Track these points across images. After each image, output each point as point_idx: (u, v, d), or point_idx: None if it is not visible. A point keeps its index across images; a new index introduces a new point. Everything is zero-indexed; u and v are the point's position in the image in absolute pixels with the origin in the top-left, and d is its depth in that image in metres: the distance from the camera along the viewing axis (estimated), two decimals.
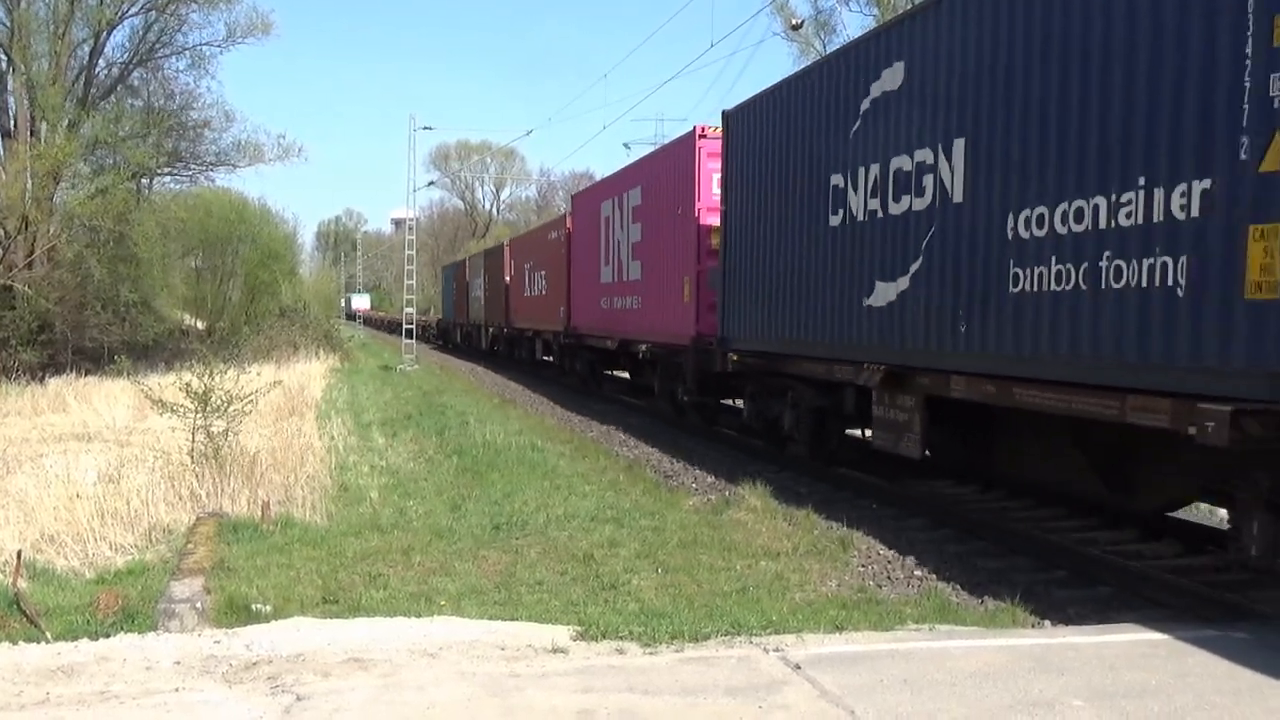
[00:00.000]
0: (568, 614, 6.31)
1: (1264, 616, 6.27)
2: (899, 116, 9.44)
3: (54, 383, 24.56)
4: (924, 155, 9.00)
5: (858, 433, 11.75)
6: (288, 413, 17.19)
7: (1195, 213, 6.16)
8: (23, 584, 6.94)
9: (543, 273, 27.59)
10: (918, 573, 7.86)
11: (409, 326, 36.72)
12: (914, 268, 9.20)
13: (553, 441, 14.98)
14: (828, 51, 24.20)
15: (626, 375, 22.85)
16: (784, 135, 11.85)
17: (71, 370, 26.84)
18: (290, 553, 8.08)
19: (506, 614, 6.40)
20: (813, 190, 11.07)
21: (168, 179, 37.64)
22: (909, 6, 9.95)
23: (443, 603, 6.78)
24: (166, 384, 13.48)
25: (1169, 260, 6.36)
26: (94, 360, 28.24)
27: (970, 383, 8.45)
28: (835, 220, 10.61)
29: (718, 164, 13.95)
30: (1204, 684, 4.87)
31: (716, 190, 14.06)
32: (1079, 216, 7.11)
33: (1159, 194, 6.41)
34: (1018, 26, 7.73)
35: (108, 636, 5.63)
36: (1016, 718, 4.45)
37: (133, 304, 32.63)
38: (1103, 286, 6.89)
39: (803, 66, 11.27)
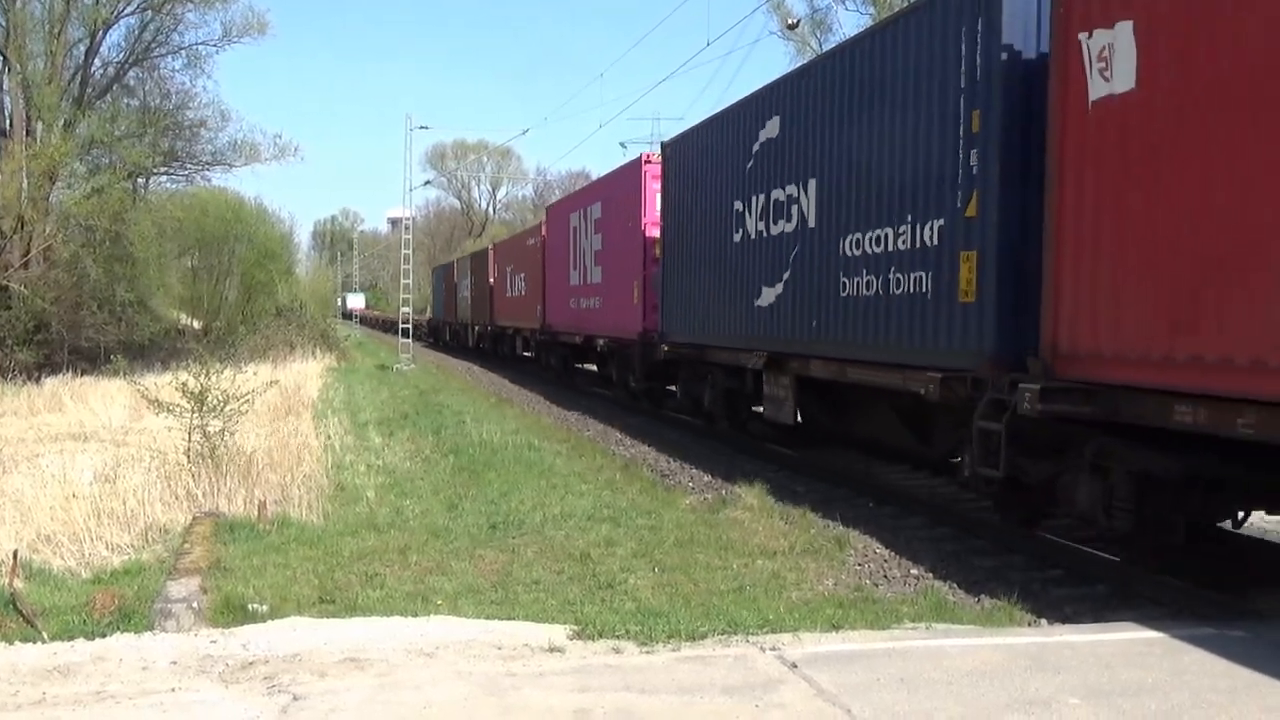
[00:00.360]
0: (564, 613, 6.31)
1: (1261, 615, 6.28)
2: (777, 158, 11.89)
3: (50, 382, 24.50)
4: (792, 189, 11.46)
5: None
6: (284, 412, 17.17)
7: (935, 242, 8.69)
8: (19, 584, 6.93)
9: (522, 275, 29.87)
10: (914, 571, 7.86)
11: (405, 326, 36.27)
12: (785, 277, 11.67)
13: (549, 440, 14.97)
14: (824, 50, 24.55)
15: (594, 367, 24.64)
16: (704, 166, 14.43)
17: (68, 370, 26.76)
18: (287, 552, 8.06)
19: (503, 613, 6.39)
20: (723, 212, 13.60)
21: (164, 178, 37.75)
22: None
23: (439, 602, 6.77)
24: (163, 384, 13.43)
25: (923, 274, 8.88)
26: (90, 360, 28.16)
27: (823, 365, 10.93)
28: (737, 238, 13.15)
29: (659, 185, 16.57)
30: (1201, 682, 4.86)
31: (659, 207, 16.60)
32: (879, 241, 9.61)
33: (919, 227, 8.93)
34: (841, 103, 10.30)
35: (104, 636, 5.61)
36: (1013, 716, 4.44)
37: (129, 303, 32.57)
38: (892, 293, 9.38)
39: (720, 109, 13.98)
